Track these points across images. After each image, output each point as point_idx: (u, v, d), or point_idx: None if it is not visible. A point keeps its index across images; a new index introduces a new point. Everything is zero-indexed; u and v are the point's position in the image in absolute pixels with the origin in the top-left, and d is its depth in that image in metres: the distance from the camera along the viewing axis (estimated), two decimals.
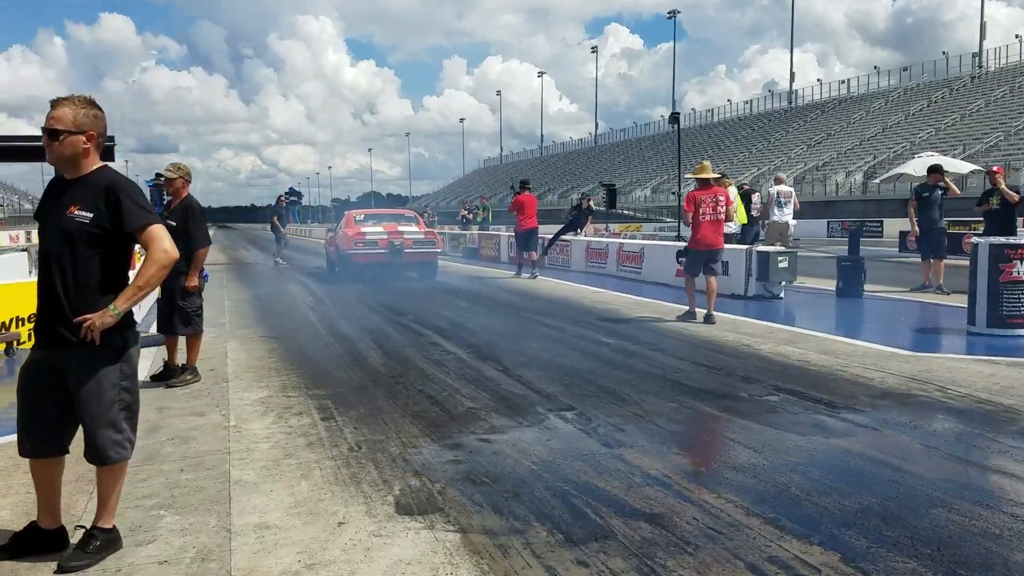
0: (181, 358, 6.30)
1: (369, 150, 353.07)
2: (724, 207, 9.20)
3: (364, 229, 15.08)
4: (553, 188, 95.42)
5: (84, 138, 3.05)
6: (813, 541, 3.21)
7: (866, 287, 11.34)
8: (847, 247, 11.94)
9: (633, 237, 33.84)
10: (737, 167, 68.61)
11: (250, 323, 9.59)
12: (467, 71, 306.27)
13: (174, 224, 6.10)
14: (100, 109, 3.14)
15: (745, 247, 11.73)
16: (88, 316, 2.97)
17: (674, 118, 16.22)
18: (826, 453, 4.40)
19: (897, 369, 6.50)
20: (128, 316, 3.13)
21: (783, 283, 11.29)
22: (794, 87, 77.13)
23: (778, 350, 7.43)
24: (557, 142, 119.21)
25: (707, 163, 9.63)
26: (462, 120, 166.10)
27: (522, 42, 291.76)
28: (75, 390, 3.01)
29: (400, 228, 15.23)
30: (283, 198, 23.51)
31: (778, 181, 15.64)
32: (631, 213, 60.84)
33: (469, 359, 7.14)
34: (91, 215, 3.01)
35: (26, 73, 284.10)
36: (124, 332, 3.11)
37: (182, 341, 6.31)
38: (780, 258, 11.09)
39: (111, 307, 2.98)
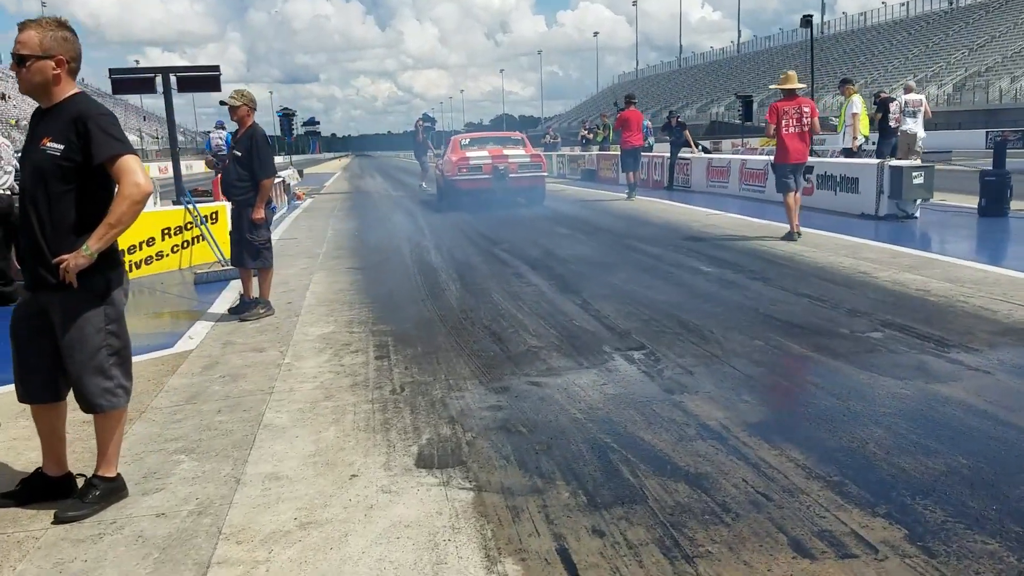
0: (257, 291, 6.27)
1: (501, 71, 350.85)
2: (809, 119, 8.80)
3: (468, 154, 14.47)
4: (691, 102, 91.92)
5: (53, 63, 2.83)
6: (878, 511, 2.73)
7: (1014, 205, 10.09)
8: (991, 160, 10.60)
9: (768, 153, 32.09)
10: (891, 74, 63.57)
11: (344, 254, 9.57)
12: None
13: (239, 154, 6.00)
14: (71, 31, 2.92)
15: (876, 161, 10.63)
16: (64, 257, 2.80)
17: (806, 21, 14.76)
18: (922, 401, 3.80)
19: None
20: (112, 256, 2.96)
21: (918, 201, 10.19)
22: None
23: (897, 278, 6.66)
24: (697, 53, 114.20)
25: (792, 72, 9.17)
26: (596, 34, 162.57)
27: None
28: (59, 336, 2.89)
29: (506, 152, 14.45)
30: (420, 122, 23.28)
31: (907, 89, 14.08)
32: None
33: (549, 292, 6.79)
34: (62, 147, 2.82)
35: (177, 8, 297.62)
36: (107, 273, 2.94)
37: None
38: (915, 173, 9.98)
39: (84, 247, 2.80)
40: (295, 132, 32.94)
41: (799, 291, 6.39)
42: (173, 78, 11.69)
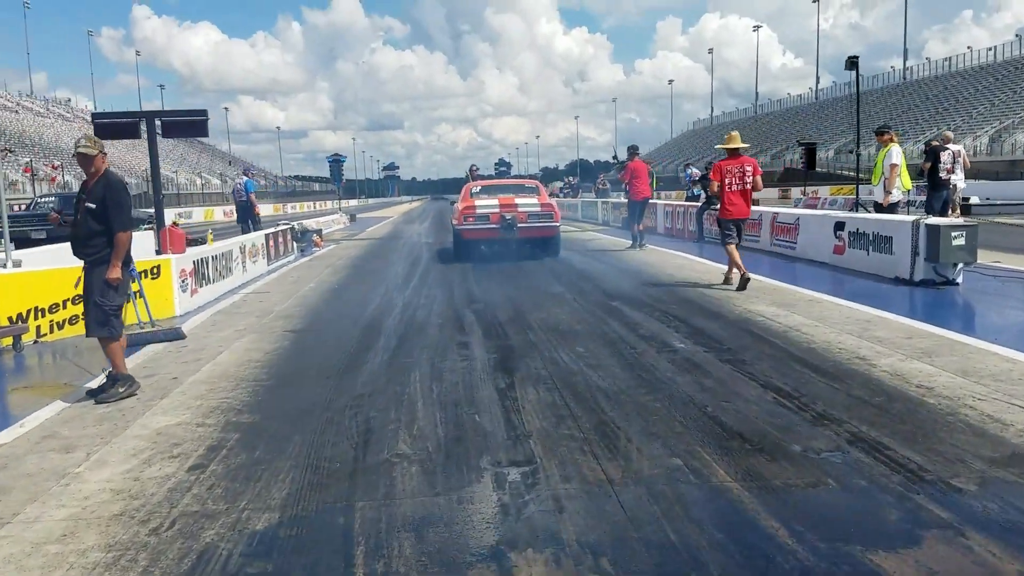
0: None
1: (576, 117, 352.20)
2: (751, 177, 9.28)
3: (477, 203, 13.64)
4: (765, 149, 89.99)
5: None
6: None
7: None
8: None
9: (832, 203, 30.38)
10: (976, 120, 60.75)
11: (299, 313, 8.71)
12: (682, 31, 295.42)
13: (92, 206, 5.22)
14: None
15: (911, 219, 9.28)
16: None
17: (851, 63, 13.48)
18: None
19: None
20: None
21: (959, 265, 8.81)
22: None
23: (900, 367, 5.43)
24: (773, 100, 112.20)
25: (735, 133, 9.62)
26: (671, 82, 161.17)
27: None
28: None
29: (517, 200, 13.53)
30: (474, 168, 22.35)
31: (945, 140, 12.63)
32: (850, 173, 55.44)
33: (481, 370, 5.78)
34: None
35: (269, 58, 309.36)
36: None
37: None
38: (955, 233, 8.63)
39: None
40: (344, 177, 32.79)
41: (771, 382, 5.22)
42: (158, 122, 11.21)
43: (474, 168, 21.09)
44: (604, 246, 15.97)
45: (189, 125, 11.40)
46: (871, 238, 9.98)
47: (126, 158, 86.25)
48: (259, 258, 12.09)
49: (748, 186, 9.24)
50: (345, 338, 7.13)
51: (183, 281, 8.54)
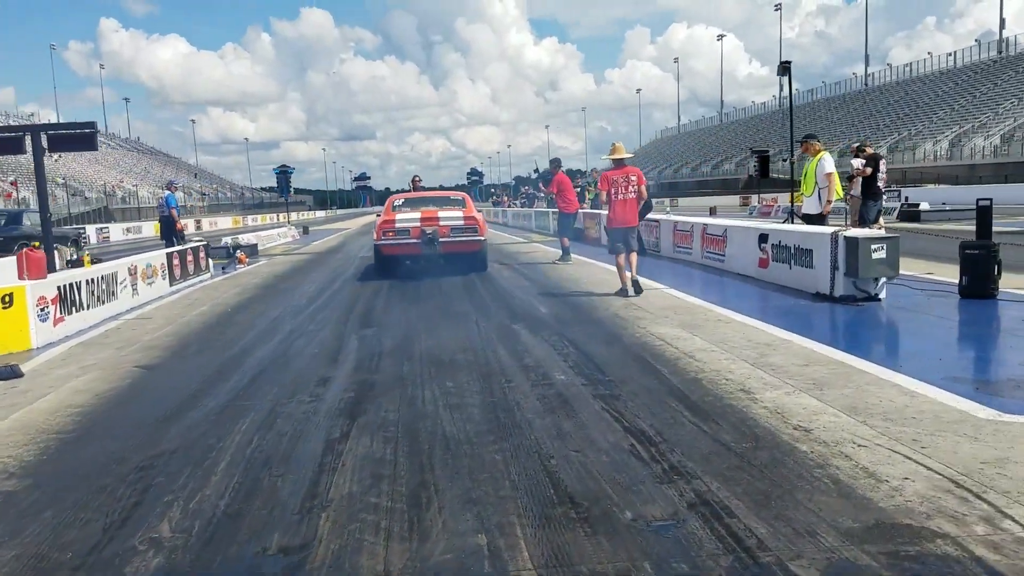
0: None
1: (546, 127, 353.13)
2: (637, 186, 9.56)
3: (397, 216, 13.02)
4: (730, 156, 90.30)
5: None
6: None
7: (1010, 283, 8.18)
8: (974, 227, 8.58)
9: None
10: (936, 125, 61.13)
11: (169, 344, 7.96)
12: (651, 40, 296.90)
13: None
14: None
15: (830, 230, 8.76)
16: None
17: (784, 69, 13.02)
18: None
19: (950, 451, 3.84)
20: None
21: (881, 279, 8.29)
22: (1005, 35, 67.44)
23: (783, 402, 4.86)
24: (739, 108, 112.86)
25: (619, 144, 9.77)
26: (638, 91, 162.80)
27: (708, 6, 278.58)
28: None
29: (440, 214, 12.92)
30: (416, 180, 21.25)
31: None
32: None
33: (323, 414, 5.12)
34: None
35: (238, 69, 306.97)
36: None
37: None
38: (875, 245, 8.11)
39: None
40: (291, 189, 31.93)
41: (636, 424, 4.62)
42: (44, 137, 10.48)
43: (416, 179, 20.32)
44: (536, 259, 15.38)
45: (77, 139, 10.68)
46: (792, 251, 9.45)
47: (87, 172, 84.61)
48: (157, 279, 11.33)
49: (633, 195, 9.54)
50: (195, 375, 6.43)
51: (42, 310, 7.79)
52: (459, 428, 4.70)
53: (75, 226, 28.72)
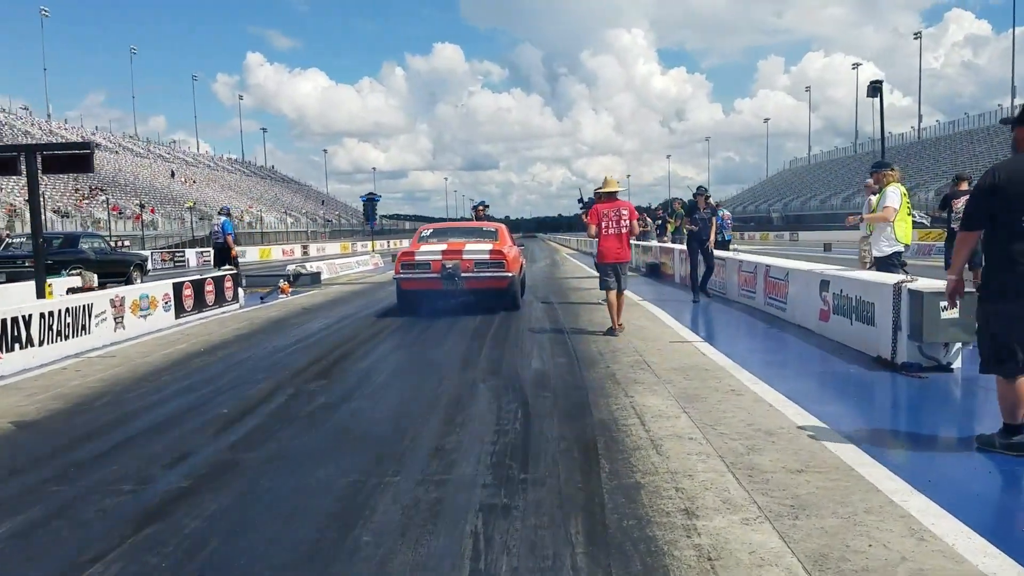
0: None
1: (668, 156, 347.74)
2: (628, 221, 9.29)
3: (421, 247, 11.93)
4: (862, 188, 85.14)
5: None
6: None
7: None
8: None
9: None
10: None
11: (99, 393, 7.03)
12: (784, 70, 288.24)
13: None
14: None
15: (894, 280, 6.92)
16: None
17: (874, 89, 11.15)
18: None
19: None
20: None
21: (956, 346, 6.43)
22: None
23: (731, 538, 3.38)
24: (876, 139, 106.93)
25: (612, 177, 9.63)
26: (766, 120, 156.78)
27: (847, 35, 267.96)
28: None
29: (466, 247, 11.66)
30: (481, 207, 19.92)
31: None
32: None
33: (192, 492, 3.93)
34: None
35: (374, 102, 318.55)
36: None
37: None
38: (945, 303, 6.27)
39: None
40: (377, 216, 31.58)
41: (494, 565, 3.18)
42: (39, 157, 9.95)
43: (480, 208, 19.00)
44: (590, 297, 13.82)
45: (72, 160, 10.10)
46: (854, 303, 7.65)
47: (218, 197, 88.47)
48: (156, 312, 10.59)
49: (624, 229, 9.24)
50: (62, 436, 5.40)
51: None
52: (253, 554, 3.40)
53: (140, 250, 29.00)
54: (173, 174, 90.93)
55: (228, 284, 13.28)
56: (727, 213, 19.09)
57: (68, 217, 57.67)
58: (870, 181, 13.61)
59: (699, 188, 13.07)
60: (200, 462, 4.73)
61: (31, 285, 12.95)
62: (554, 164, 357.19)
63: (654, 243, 21.47)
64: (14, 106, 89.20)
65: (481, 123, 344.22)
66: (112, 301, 9.53)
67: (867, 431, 5.03)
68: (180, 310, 11.38)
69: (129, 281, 18.16)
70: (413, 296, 11.67)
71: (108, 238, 20.23)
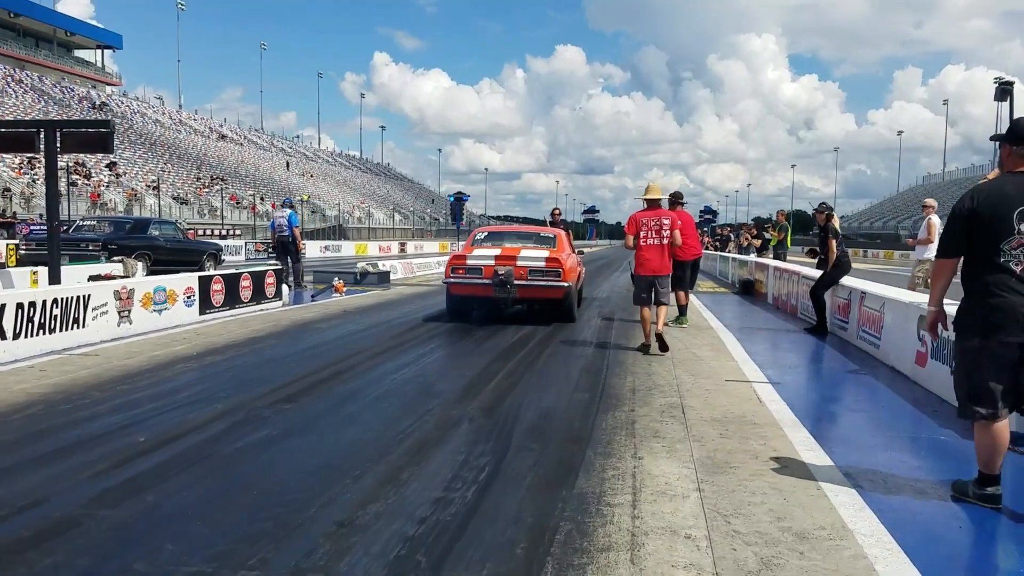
0: None
1: (793, 166, 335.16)
2: (669, 231, 8.61)
3: (474, 251, 11.20)
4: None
5: None
6: None
7: None
8: None
9: None
10: None
11: (36, 401, 6.19)
12: (921, 82, 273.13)
13: None
14: None
15: None
16: None
17: (1004, 92, 9.32)
18: None
19: None
20: None
21: None
22: None
23: None
24: None
25: (655, 184, 8.92)
26: (900, 133, 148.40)
27: (991, 49, 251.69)
28: None
29: (522, 252, 10.87)
30: (556, 213, 18.68)
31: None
32: None
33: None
34: None
35: (492, 103, 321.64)
36: None
37: None
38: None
39: None
40: (464, 217, 30.70)
41: None
42: (57, 135, 9.37)
43: (556, 212, 17.80)
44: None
45: (92, 139, 9.49)
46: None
47: (333, 192, 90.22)
48: (175, 306, 9.85)
49: (665, 241, 8.65)
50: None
51: None
52: None
53: (215, 240, 28.94)
54: (288, 165, 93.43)
55: (270, 280, 12.51)
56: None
57: (186, 204, 59.64)
58: (931, 201, 12.14)
59: (820, 205, 11.38)
60: (43, 515, 3.70)
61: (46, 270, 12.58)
62: (672, 170, 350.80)
63: (752, 257, 19.65)
64: (148, 95, 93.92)
65: (598, 126, 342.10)
66: (118, 293, 8.81)
67: (946, 550, 3.53)
68: (207, 306, 10.63)
69: (202, 270, 17.81)
70: (462, 302, 11.04)
71: (180, 225, 19.94)
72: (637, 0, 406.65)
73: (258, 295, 12.06)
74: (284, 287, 13.06)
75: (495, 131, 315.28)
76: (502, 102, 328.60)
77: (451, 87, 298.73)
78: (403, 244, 55.87)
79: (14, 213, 36.05)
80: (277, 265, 12.93)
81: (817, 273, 11.90)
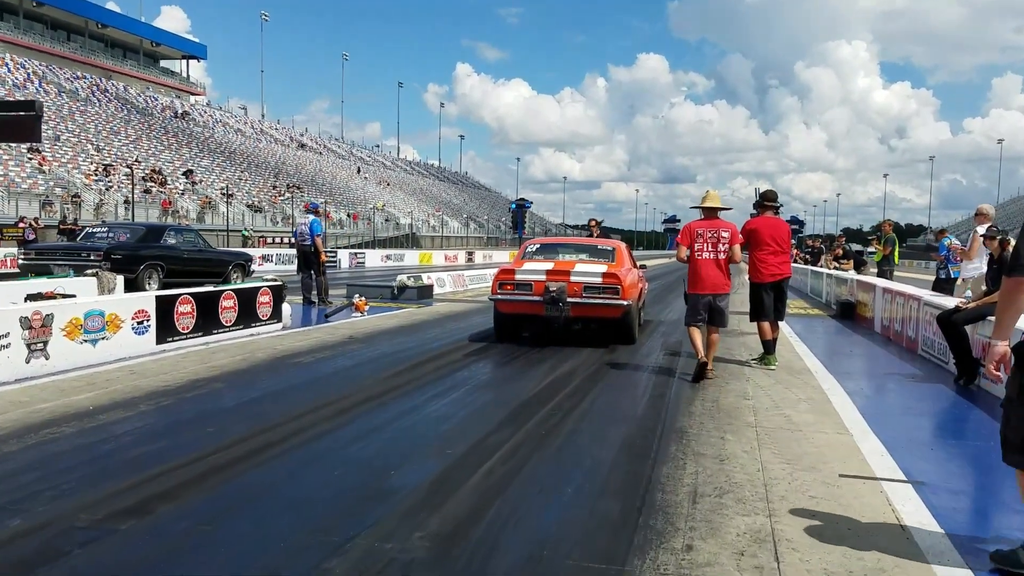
0: None
1: (885, 176, 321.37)
2: (727, 245, 7.68)
3: (524, 265, 10.06)
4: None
5: None
6: None
7: None
8: None
9: None
10: None
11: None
12: (1022, 89, 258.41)
13: None
14: None
15: None
16: None
17: None
18: None
19: None
20: None
21: None
22: None
23: None
24: None
25: (714, 192, 7.97)
26: (1000, 141, 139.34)
27: None
28: None
29: (576, 267, 9.78)
30: (594, 223, 16.63)
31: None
32: None
33: None
34: None
35: (572, 112, 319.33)
36: None
37: None
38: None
39: None
40: (526, 225, 28.43)
41: None
42: None
43: (593, 222, 15.63)
44: (732, 351, 9.75)
45: (14, 125, 7.58)
46: None
47: (408, 201, 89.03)
48: (118, 335, 7.84)
49: (723, 256, 7.72)
50: None
51: None
52: None
53: (245, 249, 27.43)
54: (359, 170, 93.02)
55: (264, 299, 10.44)
56: (955, 242, 14.15)
57: (260, 212, 59.23)
58: (986, 208, 10.66)
59: (990, 229, 8.99)
60: None
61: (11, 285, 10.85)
62: (756, 179, 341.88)
63: (852, 274, 16.76)
64: (232, 106, 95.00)
65: (680, 135, 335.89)
66: (27, 320, 6.82)
67: None
68: (169, 333, 8.60)
69: (227, 283, 16.00)
70: (511, 321, 10.04)
71: (198, 233, 18.24)
72: (722, 7, 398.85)
73: (247, 317, 10.00)
74: (285, 306, 10.97)
75: (575, 140, 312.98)
76: (583, 111, 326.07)
77: (531, 96, 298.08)
78: (471, 253, 54.04)
79: (75, 220, 35.46)
80: (276, 281, 10.88)
81: (945, 300, 9.26)
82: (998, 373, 3.27)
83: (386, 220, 75.67)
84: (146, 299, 8.38)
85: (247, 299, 10.01)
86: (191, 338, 8.93)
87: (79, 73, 69.94)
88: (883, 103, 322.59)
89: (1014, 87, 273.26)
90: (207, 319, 9.22)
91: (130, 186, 43.53)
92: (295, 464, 4.67)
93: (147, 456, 4.72)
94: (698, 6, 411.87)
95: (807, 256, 27.30)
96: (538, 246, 11.25)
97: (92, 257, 14.10)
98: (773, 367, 8.39)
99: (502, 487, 4.29)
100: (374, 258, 42.57)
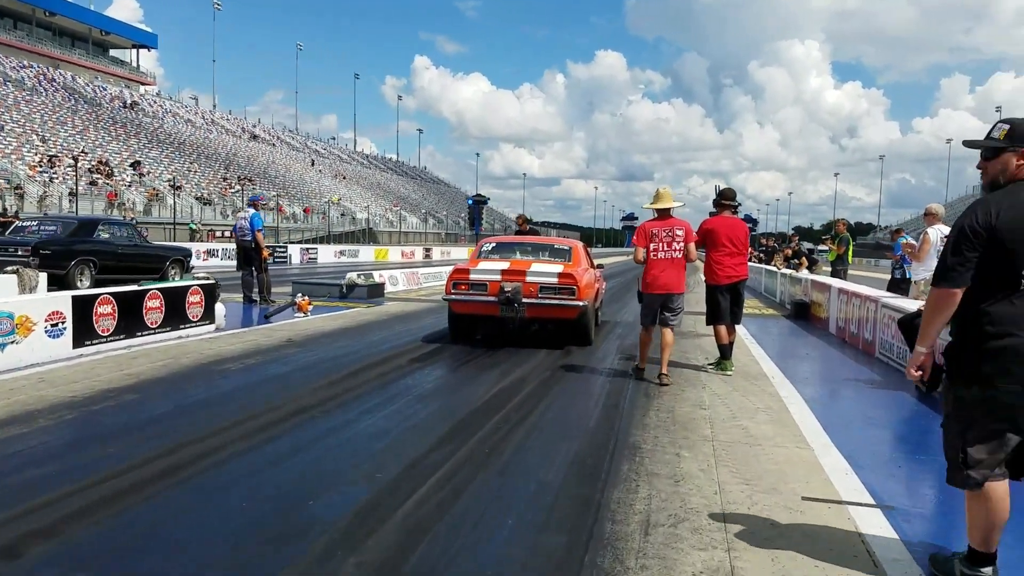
0: None
1: (836, 175, 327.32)
2: (683, 244, 7.53)
3: (478, 266, 9.76)
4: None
5: None
6: None
7: None
8: None
9: None
10: None
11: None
12: (969, 90, 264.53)
13: None
14: None
15: None
16: None
17: None
18: None
19: None
20: None
21: None
22: None
23: None
24: None
25: (666, 190, 7.76)
26: (948, 141, 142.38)
27: None
28: None
29: (532, 267, 9.55)
30: (522, 220, 15.94)
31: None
32: None
33: None
34: None
35: (532, 108, 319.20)
36: None
37: None
38: None
39: None
40: (484, 221, 27.96)
41: None
42: None
43: (521, 219, 15.06)
44: (708, 348, 9.41)
45: None
46: None
47: (365, 195, 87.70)
48: (28, 339, 7.21)
49: (678, 255, 7.53)
50: None
51: None
52: None
53: (182, 244, 26.56)
54: (313, 163, 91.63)
55: (195, 299, 9.81)
56: (910, 241, 13.98)
57: (209, 205, 57.77)
58: (935, 207, 10.28)
59: None
60: None
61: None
62: (711, 177, 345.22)
63: (805, 274, 16.60)
64: (183, 96, 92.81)
65: (638, 132, 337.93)
66: None
67: None
68: (88, 336, 7.98)
69: (164, 279, 15.25)
70: (466, 322, 9.86)
71: (136, 225, 17.36)
72: (678, 6, 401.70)
73: (176, 318, 9.38)
74: (219, 306, 10.35)
75: (535, 136, 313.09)
76: (542, 107, 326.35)
77: (491, 91, 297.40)
78: (428, 250, 53.33)
79: (16, 212, 34.04)
80: (208, 279, 10.25)
81: (905, 303, 9.06)
82: (917, 375, 3.33)
83: (342, 215, 74.45)
84: (61, 299, 7.74)
85: (175, 299, 9.38)
86: (112, 341, 8.30)
87: (25, 62, 67.67)
88: (835, 103, 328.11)
89: (962, 88, 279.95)
90: (130, 321, 8.59)
91: (75, 178, 42.08)
92: (194, 495, 4.13)
93: (30, 483, 4.16)
94: (655, 4, 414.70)
95: (761, 255, 27.28)
96: (494, 245, 10.94)
97: (20, 252, 13.29)
98: (729, 372, 8.06)
99: (433, 520, 3.82)
100: (327, 254, 41.60)
